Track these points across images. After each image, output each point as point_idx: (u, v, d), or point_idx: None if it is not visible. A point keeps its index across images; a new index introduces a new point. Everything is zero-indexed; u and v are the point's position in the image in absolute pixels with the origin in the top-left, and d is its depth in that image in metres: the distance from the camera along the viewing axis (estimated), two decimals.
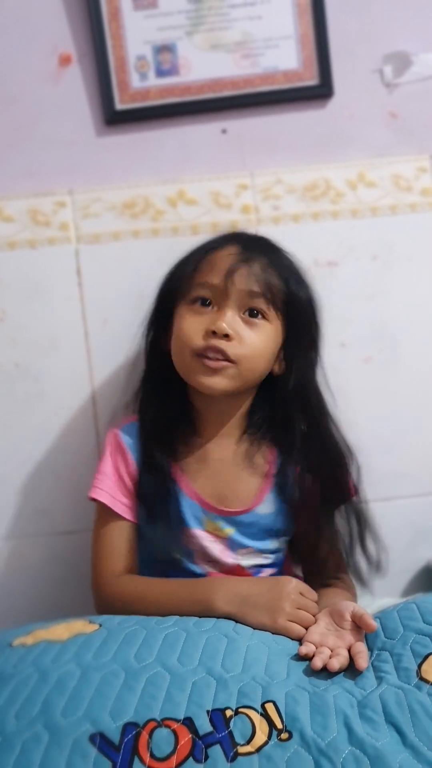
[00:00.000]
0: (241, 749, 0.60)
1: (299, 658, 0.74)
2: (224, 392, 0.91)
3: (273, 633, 0.79)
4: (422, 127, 1.14)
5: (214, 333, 0.89)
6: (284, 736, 0.61)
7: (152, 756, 0.58)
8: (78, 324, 1.12)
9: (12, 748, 0.59)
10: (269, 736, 0.61)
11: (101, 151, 1.12)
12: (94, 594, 0.93)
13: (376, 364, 1.15)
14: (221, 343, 0.88)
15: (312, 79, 1.11)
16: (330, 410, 1.00)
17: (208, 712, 0.63)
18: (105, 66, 1.10)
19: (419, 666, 0.69)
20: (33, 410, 1.12)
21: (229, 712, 0.63)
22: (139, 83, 1.11)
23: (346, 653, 0.73)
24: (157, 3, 1.09)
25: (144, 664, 0.68)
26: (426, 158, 1.13)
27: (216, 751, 0.59)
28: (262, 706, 0.64)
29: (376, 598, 1.06)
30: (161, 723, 0.61)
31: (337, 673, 0.71)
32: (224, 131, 1.13)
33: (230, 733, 0.61)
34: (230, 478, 0.96)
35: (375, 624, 0.77)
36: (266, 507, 0.97)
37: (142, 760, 0.58)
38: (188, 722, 0.61)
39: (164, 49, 1.11)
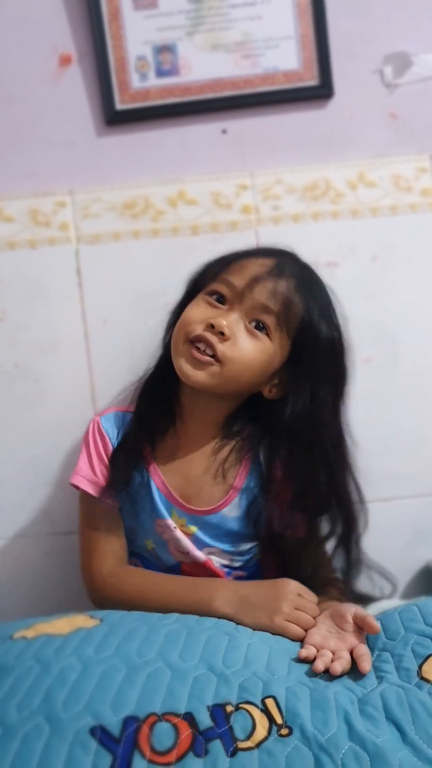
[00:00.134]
0: (242, 744, 0.60)
1: (300, 660, 0.74)
2: (201, 386, 0.90)
3: (271, 633, 0.79)
4: (422, 127, 1.14)
5: (212, 327, 0.88)
6: (284, 731, 0.62)
7: (153, 749, 0.59)
8: (78, 324, 1.12)
9: (13, 740, 0.59)
10: (269, 732, 0.61)
11: (101, 152, 1.12)
12: (86, 586, 0.94)
13: (376, 364, 1.14)
14: (214, 339, 0.88)
15: (312, 80, 1.11)
16: (348, 466, 0.98)
17: (208, 707, 0.63)
18: (105, 66, 1.10)
19: (420, 666, 0.70)
20: (33, 410, 1.12)
21: (229, 708, 0.63)
22: (139, 83, 1.11)
23: (348, 656, 0.73)
24: (157, 3, 1.10)
25: (145, 659, 0.68)
26: (426, 158, 1.13)
27: (216, 745, 0.60)
28: (263, 701, 0.64)
29: (376, 601, 1.06)
30: (162, 717, 0.61)
31: (338, 676, 0.71)
32: (224, 131, 1.13)
33: (230, 728, 0.61)
34: (198, 479, 0.96)
35: (378, 626, 0.77)
36: (232, 511, 0.95)
37: (142, 754, 0.58)
38: (189, 717, 0.62)
39: (164, 50, 1.11)
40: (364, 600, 1.02)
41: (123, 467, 0.94)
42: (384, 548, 1.11)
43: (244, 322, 0.90)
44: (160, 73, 1.11)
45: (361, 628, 0.79)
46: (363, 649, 0.74)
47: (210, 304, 0.92)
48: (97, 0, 1.08)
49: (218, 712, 0.63)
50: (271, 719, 0.63)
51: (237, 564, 0.98)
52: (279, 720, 0.62)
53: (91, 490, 0.95)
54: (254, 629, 0.79)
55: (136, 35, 1.10)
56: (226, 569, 0.97)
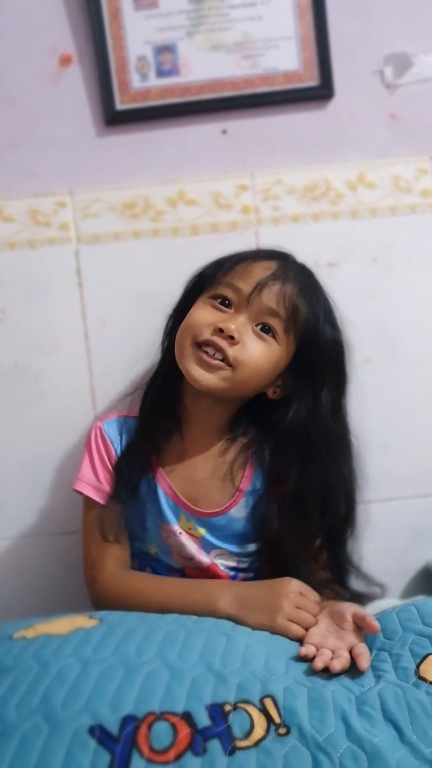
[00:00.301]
0: (240, 743, 0.60)
1: (299, 658, 0.75)
2: (211, 390, 0.90)
3: (272, 633, 0.79)
4: (422, 128, 1.14)
5: (220, 331, 0.88)
6: (282, 730, 0.62)
7: (151, 748, 0.59)
8: (78, 324, 1.12)
9: (12, 739, 0.60)
10: (267, 731, 0.62)
11: (101, 152, 1.12)
12: (88, 589, 0.94)
13: (376, 365, 1.14)
14: (223, 343, 0.88)
15: (312, 80, 1.11)
16: (351, 466, 0.99)
17: (206, 706, 0.63)
18: (105, 66, 1.10)
19: (418, 666, 0.70)
20: (33, 410, 1.12)
21: (227, 707, 0.63)
22: (139, 83, 1.11)
23: (347, 654, 0.74)
24: (157, 3, 1.10)
25: (143, 659, 0.68)
26: (426, 159, 1.13)
27: (214, 744, 0.60)
28: (261, 700, 0.64)
29: (375, 601, 1.06)
30: (160, 716, 0.62)
31: (337, 674, 0.72)
32: (224, 132, 1.13)
33: (229, 727, 0.61)
34: (205, 482, 0.96)
35: (378, 625, 0.77)
36: (239, 512, 0.96)
37: (141, 752, 0.58)
38: (187, 716, 0.62)
39: (165, 50, 1.11)
40: (361, 599, 1.02)
41: (129, 475, 0.95)
42: (384, 548, 1.11)
43: (251, 325, 0.91)
44: (161, 73, 1.11)
45: (360, 627, 0.79)
46: (362, 648, 0.74)
47: (215, 307, 0.92)
48: (97, 0, 1.08)
49: (216, 711, 0.63)
50: (269, 719, 0.63)
51: (243, 565, 0.98)
52: (277, 719, 0.63)
53: (94, 495, 0.95)
54: (256, 629, 0.80)
55: (136, 35, 1.10)
56: (233, 571, 0.97)
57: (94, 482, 0.96)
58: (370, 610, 0.92)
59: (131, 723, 0.61)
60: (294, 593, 0.83)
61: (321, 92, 1.11)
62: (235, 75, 1.11)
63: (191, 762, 0.58)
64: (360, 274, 1.13)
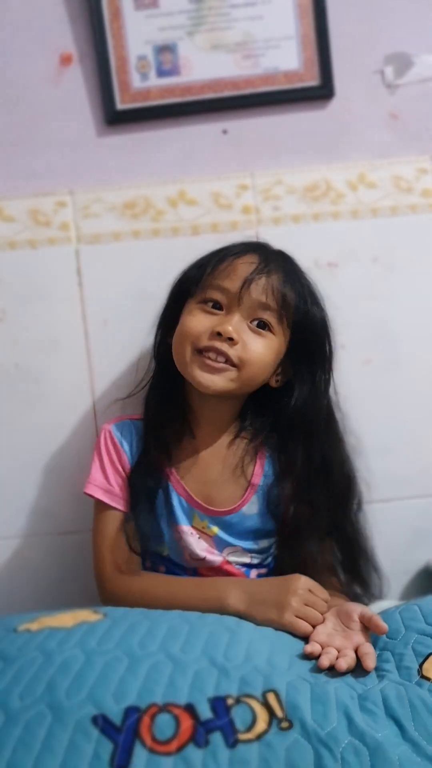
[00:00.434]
0: (242, 736, 0.61)
1: (304, 656, 0.75)
2: (220, 392, 0.92)
3: (280, 629, 0.80)
4: (423, 128, 1.14)
5: (218, 335, 0.89)
6: (285, 724, 0.62)
7: (154, 738, 0.59)
8: (78, 324, 1.12)
9: (16, 727, 0.60)
10: (270, 725, 0.62)
11: (102, 152, 1.12)
12: (99, 590, 0.94)
13: (376, 365, 1.15)
14: (224, 346, 0.89)
15: (313, 80, 1.11)
16: (342, 437, 1.02)
17: (209, 699, 0.63)
18: (106, 66, 1.10)
19: (420, 665, 0.70)
20: (33, 410, 1.12)
21: (230, 700, 0.64)
22: (140, 83, 1.11)
23: (353, 654, 0.74)
24: (158, 3, 1.09)
25: (147, 651, 0.69)
26: (426, 159, 1.13)
27: (217, 737, 0.60)
28: (264, 694, 0.65)
29: (375, 602, 1.06)
30: (163, 707, 0.62)
31: (339, 671, 0.72)
32: (225, 132, 1.13)
33: (231, 720, 0.62)
34: (218, 480, 0.97)
35: (385, 626, 0.77)
36: (251, 508, 0.97)
37: (143, 742, 0.59)
38: (190, 708, 0.62)
39: (165, 49, 1.11)
40: (362, 598, 1.02)
41: (144, 488, 0.95)
42: (384, 548, 1.11)
43: (246, 322, 0.92)
44: (161, 73, 1.11)
45: (366, 627, 0.79)
46: (368, 648, 0.75)
47: (207, 312, 0.93)
48: (97, 0, 1.08)
49: (219, 704, 0.63)
50: (271, 712, 0.63)
51: (256, 561, 0.99)
52: (280, 713, 0.63)
53: (105, 498, 0.95)
54: (264, 625, 0.80)
55: (136, 35, 1.10)
56: (246, 568, 0.98)
57: (104, 485, 0.96)
58: (372, 609, 0.92)
59: (134, 713, 0.61)
60: (303, 590, 0.84)
61: (321, 92, 1.11)
62: (235, 75, 1.11)
63: (193, 753, 0.59)
64: (360, 274, 1.13)
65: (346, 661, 0.72)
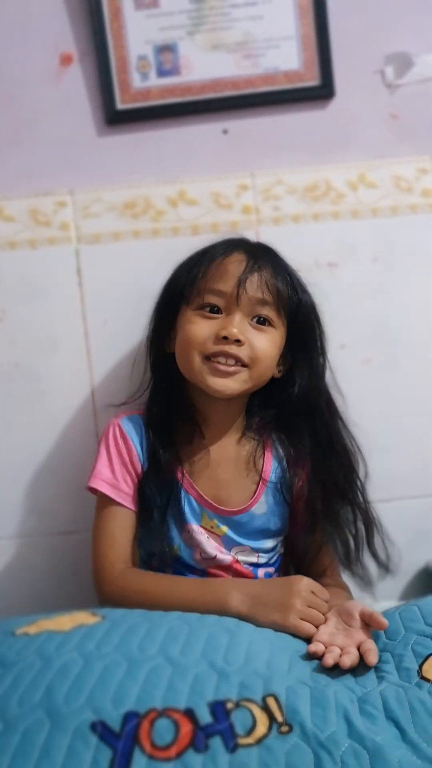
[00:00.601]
0: (242, 740, 0.60)
1: (305, 656, 0.75)
2: (234, 395, 0.93)
3: (283, 631, 0.80)
4: (423, 128, 1.14)
5: (224, 338, 0.90)
6: (285, 728, 0.62)
7: (153, 744, 0.59)
8: (78, 324, 1.12)
9: (14, 734, 0.60)
10: (270, 729, 0.61)
11: (102, 151, 1.12)
12: (97, 588, 0.93)
13: (376, 365, 1.15)
14: (233, 348, 0.90)
15: (313, 80, 1.11)
16: (340, 412, 1.03)
17: (209, 703, 0.63)
18: (106, 66, 1.10)
19: (420, 666, 0.70)
20: (33, 410, 1.12)
21: (230, 704, 0.63)
22: (140, 83, 1.11)
23: (356, 651, 0.74)
24: (158, 3, 1.09)
25: (146, 654, 0.68)
26: (427, 159, 1.13)
27: (216, 741, 0.60)
28: (263, 699, 0.64)
29: (375, 601, 1.06)
30: (162, 712, 0.61)
31: (339, 672, 0.72)
32: (225, 131, 1.13)
33: (231, 725, 0.61)
34: (228, 480, 0.97)
35: (386, 622, 0.77)
36: (261, 508, 0.98)
37: (143, 748, 0.58)
38: (189, 712, 0.62)
39: (165, 49, 1.11)
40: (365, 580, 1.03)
41: (157, 491, 0.94)
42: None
43: (247, 321, 0.93)
44: (161, 72, 1.11)
45: (368, 624, 0.79)
46: (370, 644, 0.75)
47: (206, 317, 0.93)
48: (98, 0, 1.08)
49: (219, 708, 0.63)
50: (271, 716, 0.63)
51: (263, 560, 0.99)
52: (279, 717, 0.63)
53: (111, 494, 0.94)
54: (267, 627, 0.80)
55: (137, 35, 1.10)
56: (253, 567, 0.98)
57: (110, 480, 0.95)
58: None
59: (133, 719, 0.61)
60: (306, 592, 0.83)
61: (322, 92, 1.11)
62: (235, 75, 1.11)
63: (193, 759, 0.58)
64: (360, 274, 1.13)
65: (350, 659, 0.72)
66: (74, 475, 1.11)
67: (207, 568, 0.97)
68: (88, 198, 1.11)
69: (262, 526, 0.98)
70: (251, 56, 1.11)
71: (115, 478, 0.95)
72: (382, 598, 1.09)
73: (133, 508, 0.95)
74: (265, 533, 0.99)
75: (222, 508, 0.96)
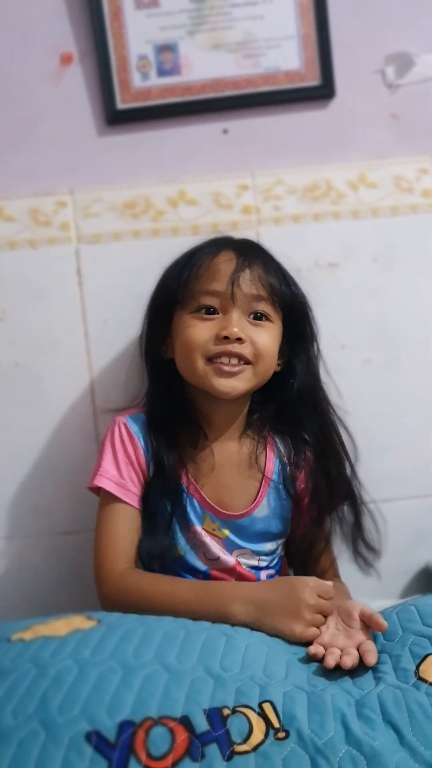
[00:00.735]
0: (238, 748, 0.60)
1: (303, 658, 0.75)
2: (240, 395, 0.93)
3: (291, 641, 0.79)
4: (423, 128, 1.13)
5: (225, 338, 0.90)
6: (281, 735, 0.61)
7: (149, 755, 0.58)
8: (78, 324, 1.12)
9: (9, 745, 0.59)
10: (266, 735, 0.61)
11: (102, 151, 1.12)
12: (97, 588, 0.92)
13: (376, 365, 1.15)
14: (235, 347, 0.90)
15: (314, 80, 1.11)
16: (330, 400, 1.04)
17: (205, 710, 0.62)
18: (106, 65, 1.10)
19: (417, 666, 0.70)
20: (33, 410, 1.12)
21: (226, 711, 0.63)
22: (140, 83, 1.11)
23: (356, 652, 0.74)
24: (158, 2, 1.09)
25: (142, 661, 0.68)
26: (427, 159, 1.13)
27: (213, 749, 0.59)
28: (260, 705, 0.64)
29: (374, 600, 1.06)
30: (158, 721, 0.61)
31: (337, 673, 0.72)
32: (225, 131, 1.13)
33: (227, 732, 0.61)
34: (232, 483, 0.97)
35: (385, 623, 0.77)
36: (262, 511, 0.98)
37: (138, 759, 0.58)
38: (185, 720, 0.61)
39: (166, 49, 1.10)
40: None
41: (162, 497, 0.94)
42: (384, 549, 1.11)
43: (245, 318, 0.93)
44: (162, 72, 1.11)
45: (367, 625, 0.79)
46: (369, 645, 0.75)
47: (204, 319, 0.93)
48: None
49: (215, 715, 0.62)
50: (268, 723, 0.62)
51: (264, 563, 0.99)
52: (276, 723, 0.62)
53: (117, 491, 0.93)
54: (273, 635, 0.78)
55: (137, 34, 1.10)
56: (255, 570, 0.98)
57: (117, 479, 0.94)
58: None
59: (128, 728, 0.60)
60: (313, 598, 0.81)
61: (322, 92, 1.11)
62: (236, 74, 1.11)
63: None
64: (361, 274, 1.13)
65: (351, 659, 0.72)
66: (74, 475, 1.11)
67: (210, 569, 0.96)
68: (88, 198, 1.11)
69: (264, 530, 0.98)
70: (252, 56, 1.11)
71: (122, 476, 0.94)
72: (382, 598, 1.09)
73: (138, 507, 0.94)
74: (266, 536, 0.98)
75: (225, 512, 0.96)
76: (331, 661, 0.72)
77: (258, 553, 0.98)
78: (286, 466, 0.99)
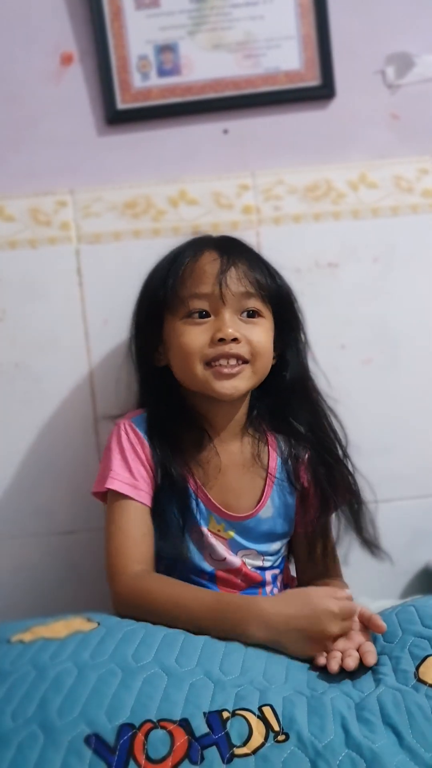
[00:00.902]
0: (238, 751, 0.60)
1: (303, 661, 0.75)
2: (242, 393, 0.93)
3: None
4: (424, 128, 1.13)
5: (221, 340, 0.89)
6: (281, 737, 0.61)
7: (148, 758, 0.58)
8: (78, 324, 1.12)
9: (8, 748, 0.59)
10: (266, 738, 0.61)
11: (102, 151, 1.12)
12: (111, 588, 0.89)
13: (376, 365, 1.15)
14: (232, 348, 0.90)
15: (314, 80, 1.11)
16: (320, 389, 1.04)
17: (204, 713, 0.62)
18: (107, 65, 1.10)
19: (417, 668, 0.70)
20: (33, 410, 1.12)
21: (226, 714, 0.63)
22: (140, 83, 1.11)
23: (357, 654, 0.74)
24: (159, 2, 1.09)
25: (141, 663, 0.68)
26: (427, 159, 1.13)
27: (212, 752, 0.59)
28: (260, 709, 0.64)
29: (374, 600, 1.06)
30: (157, 724, 0.61)
31: (337, 676, 0.72)
32: (226, 131, 1.13)
33: (227, 735, 0.61)
34: (236, 483, 0.97)
35: (384, 625, 0.77)
36: (267, 512, 0.98)
37: (137, 762, 0.58)
38: (184, 723, 0.61)
39: (166, 49, 1.10)
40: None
41: (170, 502, 0.93)
42: (384, 548, 1.11)
43: (237, 317, 0.92)
44: (162, 72, 1.11)
45: (366, 627, 0.79)
46: (369, 646, 0.75)
47: (196, 323, 0.92)
48: None
49: (214, 718, 0.62)
50: (267, 726, 0.62)
51: (268, 564, 0.99)
52: (276, 726, 0.62)
53: (131, 493, 0.91)
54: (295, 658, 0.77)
55: (137, 34, 1.10)
56: (260, 570, 0.98)
57: (129, 480, 0.92)
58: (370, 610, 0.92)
59: (128, 732, 0.60)
60: (338, 627, 0.77)
61: (322, 92, 1.11)
62: (236, 74, 1.11)
63: None
64: (361, 274, 1.13)
65: (353, 660, 0.72)
66: (74, 474, 1.11)
67: (216, 570, 0.96)
68: (88, 198, 1.11)
69: (269, 530, 0.98)
70: (252, 56, 1.11)
71: (134, 476, 0.92)
72: (382, 598, 1.09)
73: (150, 506, 0.93)
74: (271, 537, 0.99)
75: (230, 513, 0.96)
76: (334, 666, 0.72)
77: (263, 554, 0.98)
78: (287, 461, 0.99)
